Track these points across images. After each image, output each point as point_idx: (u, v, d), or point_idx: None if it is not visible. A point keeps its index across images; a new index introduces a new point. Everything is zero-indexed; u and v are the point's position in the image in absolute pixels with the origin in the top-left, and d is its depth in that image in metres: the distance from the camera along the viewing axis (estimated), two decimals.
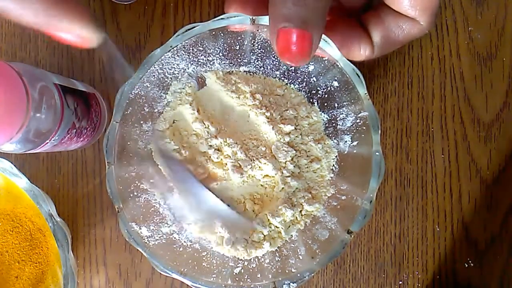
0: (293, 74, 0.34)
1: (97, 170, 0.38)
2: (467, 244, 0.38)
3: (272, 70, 0.34)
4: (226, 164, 0.33)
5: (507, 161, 0.38)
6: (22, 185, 0.33)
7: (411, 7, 0.29)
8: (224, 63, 0.33)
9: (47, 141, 0.29)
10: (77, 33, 0.25)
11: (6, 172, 0.33)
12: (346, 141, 0.32)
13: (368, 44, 0.31)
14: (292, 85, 0.34)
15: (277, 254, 0.32)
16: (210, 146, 0.34)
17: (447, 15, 0.38)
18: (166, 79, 0.32)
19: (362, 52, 0.31)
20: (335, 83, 0.31)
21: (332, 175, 0.33)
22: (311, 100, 0.34)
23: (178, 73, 0.33)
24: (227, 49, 0.32)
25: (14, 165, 0.33)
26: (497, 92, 0.38)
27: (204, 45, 0.31)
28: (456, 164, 0.38)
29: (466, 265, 0.38)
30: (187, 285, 0.30)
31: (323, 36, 0.28)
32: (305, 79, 0.33)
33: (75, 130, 0.32)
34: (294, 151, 0.33)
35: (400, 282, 0.38)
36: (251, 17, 0.28)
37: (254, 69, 0.34)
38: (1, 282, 0.34)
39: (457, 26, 0.38)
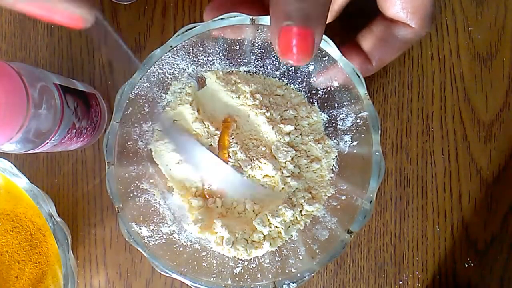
0: (293, 74, 0.34)
1: (97, 170, 0.38)
2: (467, 244, 0.38)
3: (272, 70, 0.34)
4: None
5: (507, 161, 0.38)
6: (22, 185, 0.33)
7: (402, 9, 0.30)
8: (224, 63, 0.33)
9: (47, 141, 0.29)
10: (69, 13, 0.24)
11: (6, 172, 0.33)
12: (346, 141, 0.32)
13: (366, 61, 0.32)
14: (292, 85, 0.34)
15: (277, 254, 0.32)
16: (210, 145, 0.34)
17: (447, 15, 0.38)
18: (166, 79, 0.32)
19: (363, 71, 0.32)
20: (335, 83, 0.31)
21: (332, 175, 0.33)
22: (311, 100, 0.34)
23: (178, 73, 0.33)
24: (227, 49, 0.32)
25: (14, 165, 0.33)
26: (497, 92, 0.38)
27: (204, 45, 0.31)
28: (456, 164, 0.38)
29: (466, 265, 0.38)
30: (187, 285, 0.30)
31: (324, 36, 0.28)
32: (305, 79, 0.33)
33: (75, 130, 0.32)
34: (294, 151, 0.33)
35: (400, 282, 0.38)
36: (251, 17, 0.28)
37: (254, 69, 0.34)
38: (1, 282, 0.34)
39: (457, 26, 0.38)
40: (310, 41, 0.23)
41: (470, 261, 0.38)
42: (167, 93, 0.33)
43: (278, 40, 0.23)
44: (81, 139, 0.34)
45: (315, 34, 0.23)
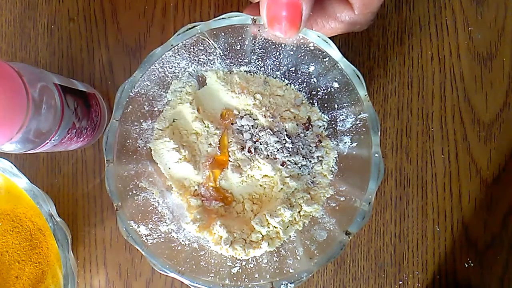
0: (294, 74, 0.34)
1: (97, 170, 0.38)
2: (467, 244, 0.38)
3: (273, 70, 0.34)
4: None
5: (507, 161, 0.38)
6: (22, 185, 0.33)
7: None
8: (224, 63, 0.33)
9: (47, 141, 0.29)
10: None
11: (6, 172, 0.33)
12: (345, 142, 0.32)
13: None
14: (292, 85, 0.34)
15: (275, 254, 0.32)
16: (210, 145, 0.34)
17: (447, 15, 0.38)
18: (166, 78, 0.32)
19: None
20: (336, 84, 0.31)
21: (331, 176, 0.33)
22: (311, 101, 0.34)
23: (178, 72, 0.33)
24: (228, 48, 0.32)
25: (14, 165, 0.33)
26: (497, 92, 0.38)
27: (205, 45, 0.31)
28: (456, 164, 0.38)
29: (466, 265, 0.38)
30: (187, 286, 0.30)
31: (324, 37, 0.28)
32: (305, 80, 0.33)
33: (75, 130, 0.32)
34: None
35: (400, 282, 0.38)
36: (252, 17, 0.28)
37: (255, 69, 0.34)
38: (1, 282, 0.34)
39: (457, 26, 0.38)
40: (298, 12, 0.24)
41: (470, 261, 0.38)
42: (167, 92, 0.33)
43: (267, 10, 0.24)
44: (81, 139, 0.34)
45: (303, 6, 0.23)
